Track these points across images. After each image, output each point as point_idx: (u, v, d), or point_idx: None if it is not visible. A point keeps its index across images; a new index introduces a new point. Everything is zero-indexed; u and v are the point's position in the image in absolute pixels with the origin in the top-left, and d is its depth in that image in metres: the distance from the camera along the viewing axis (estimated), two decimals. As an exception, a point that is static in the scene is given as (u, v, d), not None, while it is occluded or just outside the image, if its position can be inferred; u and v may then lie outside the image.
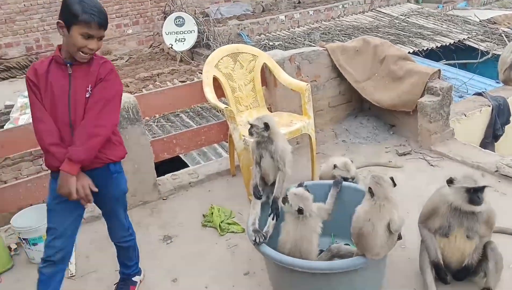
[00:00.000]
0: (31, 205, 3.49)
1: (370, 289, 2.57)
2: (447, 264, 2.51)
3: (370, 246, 2.32)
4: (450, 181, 2.41)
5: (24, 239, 3.16)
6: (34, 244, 3.16)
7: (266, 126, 2.88)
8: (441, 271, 2.50)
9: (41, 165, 6.69)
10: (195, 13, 10.47)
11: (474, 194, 2.33)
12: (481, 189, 2.34)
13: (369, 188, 2.41)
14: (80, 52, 2.21)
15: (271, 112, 4.17)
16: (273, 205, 2.83)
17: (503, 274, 2.52)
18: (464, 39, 9.60)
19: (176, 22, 9.79)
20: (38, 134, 2.27)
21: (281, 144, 2.95)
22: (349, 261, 2.36)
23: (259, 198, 2.91)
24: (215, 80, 3.90)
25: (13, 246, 3.35)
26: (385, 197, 2.37)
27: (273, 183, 2.97)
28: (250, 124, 2.93)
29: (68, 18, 2.17)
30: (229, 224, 3.39)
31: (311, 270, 2.36)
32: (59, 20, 2.19)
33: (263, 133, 2.91)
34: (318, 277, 2.38)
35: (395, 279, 2.69)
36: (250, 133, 2.94)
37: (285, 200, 2.55)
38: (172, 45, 9.89)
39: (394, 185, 2.46)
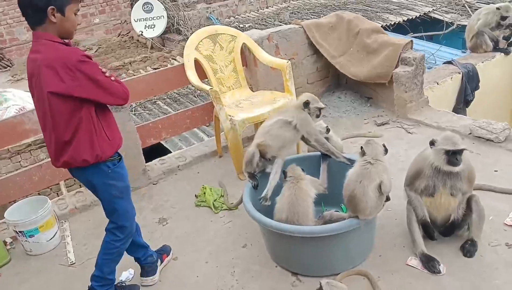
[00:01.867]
0: (15, 201, 3.50)
1: (364, 249, 2.73)
2: (434, 221, 2.69)
3: (362, 207, 2.47)
4: (431, 143, 2.56)
5: (20, 231, 3.17)
6: (31, 236, 3.18)
7: (305, 103, 3.10)
8: (429, 229, 2.67)
9: (19, 162, 6.60)
10: (163, -1, 10.32)
11: (453, 156, 2.49)
12: (459, 151, 2.49)
13: (361, 147, 2.56)
14: (74, 31, 2.24)
15: (253, 91, 4.25)
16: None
17: (484, 226, 2.71)
18: (429, 11, 9.81)
19: (144, 8, 9.64)
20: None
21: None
22: (344, 223, 2.50)
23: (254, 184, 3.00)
24: (196, 62, 3.94)
25: (8, 240, 3.35)
26: (375, 157, 2.52)
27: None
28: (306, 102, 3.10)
29: (60, 1, 2.12)
30: (222, 202, 3.48)
31: (308, 235, 2.50)
32: (52, 7, 2.10)
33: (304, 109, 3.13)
34: (314, 241, 2.52)
35: (386, 239, 2.85)
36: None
37: (284, 174, 2.76)
38: (142, 32, 9.75)
39: (386, 151, 2.61)
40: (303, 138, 3.20)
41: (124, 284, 2.79)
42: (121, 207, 2.47)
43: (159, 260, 2.87)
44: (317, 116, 3.19)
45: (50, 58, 2.12)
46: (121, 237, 2.52)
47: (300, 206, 2.63)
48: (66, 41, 2.24)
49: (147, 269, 2.78)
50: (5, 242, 3.31)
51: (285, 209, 2.65)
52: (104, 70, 2.24)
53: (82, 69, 2.12)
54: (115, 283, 2.66)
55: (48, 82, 2.13)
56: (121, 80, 2.36)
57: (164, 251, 2.97)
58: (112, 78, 2.26)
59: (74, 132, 2.23)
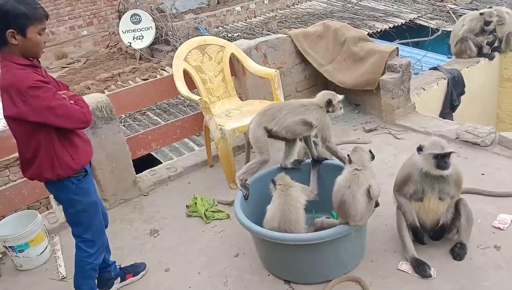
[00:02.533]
0: (3, 216, 3.47)
1: (355, 254, 2.75)
2: (423, 225, 2.72)
3: (352, 213, 2.49)
4: (419, 149, 2.60)
5: (9, 247, 3.14)
6: (21, 251, 3.15)
7: (328, 101, 3.08)
8: (418, 233, 2.70)
9: (8, 176, 6.54)
10: (151, 10, 10.35)
11: (441, 159, 2.53)
12: (447, 154, 2.54)
13: (348, 155, 2.59)
14: (41, 50, 2.21)
15: (242, 100, 4.28)
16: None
17: (472, 229, 2.75)
18: (414, 18, 9.98)
19: (133, 19, 9.67)
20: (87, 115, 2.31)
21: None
22: (335, 230, 2.52)
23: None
24: (185, 73, 3.96)
25: (-2, 256, 3.32)
26: (362, 164, 2.55)
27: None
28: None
29: (19, 23, 2.08)
30: (213, 212, 3.48)
31: (300, 242, 2.51)
32: (10, 30, 2.07)
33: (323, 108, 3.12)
34: (306, 248, 2.53)
35: (377, 244, 2.88)
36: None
37: (274, 183, 2.80)
38: (130, 44, 9.76)
39: (373, 157, 2.64)
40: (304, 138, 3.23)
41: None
42: (86, 222, 2.47)
43: (119, 278, 2.87)
44: (341, 109, 3.15)
45: (5, 83, 2.12)
46: (91, 252, 2.51)
47: (291, 214, 2.65)
48: (31, 61, 2.19)
49: (100, 282, 2.78)
50: (-6, 258, 3.28)
51: (276, 217, 2.67)
52: (61, 93, 2.23)
53: (34, 95, 2.10)
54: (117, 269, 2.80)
55: (4, 106, 2.14)
56: (83, 102, 2.33)
57: (131, 271, 2.93)
58: (71, 102, 2.25)
59: (35, 152, 2.25)
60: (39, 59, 2.27)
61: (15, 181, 6.23)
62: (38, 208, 6.07)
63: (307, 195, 2.85)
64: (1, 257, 3.32)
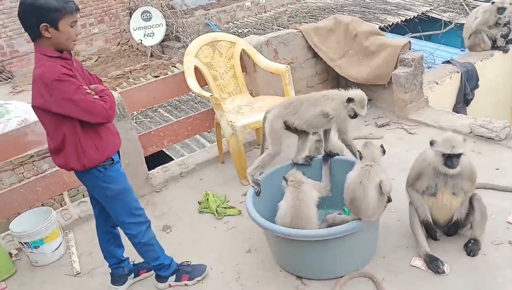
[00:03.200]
0: (18, 213, 3.51)
1: (368, 251, 2.74)
2: (436, 221, 2.70)
3: (363, 208, 2.48)
4: (431, 143, 2.57)
5: (25, 243, 3.19)
6: (36, 247, 3.20)
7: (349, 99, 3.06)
8: (431, 229, 2.67)
9: (22, 173, 6.64)
10: (161, 7, 10.38)
11: (449, 159, 2.49)
12: (456, 155, 2.49)
13: (358, 151, 2.58)
14: (73, 42, 2.28)
15: (253, 96, 4.27)
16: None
17: (486, 225, 2.72)
18: (427, 11, 9.85)
19: (143, 17, 9.71)
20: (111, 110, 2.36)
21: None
22: (347, 226, 2.51)
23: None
24: (196, 69, 3.97)
25: (14, 252, 3.37)
26: (373, 159, 2.54)
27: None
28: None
29: (52, 17, 2.16)
30: (225, 208, 3.49)
31: (312, 238, 2.51)
32: (44, 24, 2.15)
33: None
34: (318, 244, 2.53)
35: (389, 240, 2.86)
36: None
37: (285, 179, 2.80)
38: (141, 41, 9.81)
39: (384, 152, 2.62)
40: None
41: (189, 262, 2.91)
42: (118, 206, 2.54)
43: (133, 273, 2.92)
44: (351, 117, 3.11)
45: (35, 74, 2.22)
46: (134, 233, 2.60)
47: (303, 210, 2.65)
48: (64, 54, 2.27)
49: (114, 277, 2.87)
50: (10, 254, 3.33)
51: (288, 213, 2.67)
52: (85, 88, 2.29)
53: (58, 88, 2.17)
54: (177, 263, 2.84)
55: (33, 96, 2.25)
56: (109, 98, 2.37)
57: (144, 267, 2.97)
58: (95, 97, 2.31)
59: (61, 141, 2.33)
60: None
61: (29, 178, 6.33)
62: (52, 205, 6.14)
63: (320, 191, 2.84)
64: (16, 253, 3.37)
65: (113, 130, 2.54)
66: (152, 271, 2.97)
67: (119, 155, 2.58)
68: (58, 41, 2.23)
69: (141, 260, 3.09)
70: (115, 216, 2.59)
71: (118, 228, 2.78)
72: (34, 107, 2.27)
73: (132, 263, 2.96)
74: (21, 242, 3.22)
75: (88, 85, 2.38)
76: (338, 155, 3.32)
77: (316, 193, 2.78)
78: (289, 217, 2.65)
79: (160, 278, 2.83)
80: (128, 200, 2.56)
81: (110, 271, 2.88)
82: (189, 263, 2.92)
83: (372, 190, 2.49)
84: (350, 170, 2.67)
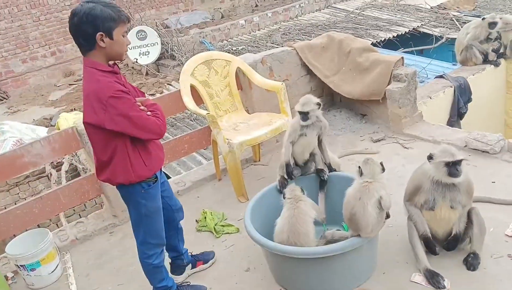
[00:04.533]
0: (14, 235, 3.49)
1: (367, 267, 2.73)
2: (435, 235, 2.70)
3: (363, 225, 2.48)
4: (430, 157, 2.58)
5: (21, 265, 3.16)
6: (32, 269, 3.16)
7: (319, 105, 3.16)
8: (430, 244, 2.67)
9: (17, 194, 6.60)
10: (156, 25, 10.47)
11: (453, 167, 2.51)
12: (458, 162, 2.52)
13: (358, 167, 2.58)
14: (124, 53, 2.31)
15: (249, 114, 4.30)
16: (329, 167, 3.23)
17: (485, 238, 2.72)
18: (418, 26, 10.00)
19: (138, 36, 9.77)
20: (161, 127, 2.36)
21: (325, 120, 3.29)
22: (346, 243, 2.51)
23: (291, 177, 3.17)
24: (192, 88, 3.99)
25: (10, 275, 3.34)
26: (373, 176, 2.54)
27: (305, 163, 3.28)
28: (304, 112, 3.14)
29: (107, 26, 2.18)
30: (223, 226, 3.48)
31: (311, 256, 2.50)
32: (100, 33, 2.17)
33: (317, 113, 3.18)
34: (317, 261, 2.52)
35: (389, 256, 2.85)
36: (307, 119, 3.16)
37: (284, 195, 2.83)
38: (136, 60, 9.85)
39: (383, 169, 2.63)
40: None
41: (188, 283, 2.90)
42: (147, 225, 2.54)
43: (190, 264, 3.00)
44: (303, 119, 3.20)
45: (88, 90, 2.22)
46: (149, 253, 2.59)
47: (300, 227, 2.65)
48: (111, 64, 2.29)
49: (173, 267, 2.95)
50: (6, 277, 3.29)
51: (285, 229, 2.67)
52: (139, 104, 2.29)
53: (114, 105, 2.17)
54: (177, 284, 2.81)
55: (85, 112, 2.25)
56: (160, 113, 2.38)
57: (201, 259, 3.07)
58: (148, 113, 2.31)
59: (110, 156, 2.34)
60: (118, 65, 2.37)
61: (25, 199, 6.29)
62: (48, 225, 6.10)
63: (316, 213, 2.84)
64: (13, 276, 3.34)
65: (159, 144, 2.55)
66: (209, 263, 3.09)
67: (161, 171, 2.61)
68: (111, 51, 2.24)
69: (140, 280, 3.07)
70: (140, 234, 2.57)
71: (181, 222, 2.87)
72: (85, 123, 2.28)
73: (190, 254, 3.02)
74: (17, 265, 3.19)
75: (135, 99, 2.37)
76: (335, 170, 3.34)
77: (313, 212, 2.77)
78: (286, 233, 2.64)
79: None
80: (157, 220, 2.57)
81: (170, 261, 2.93)
82: (189, 283, 2.90)
83: (372, 207, 2.49)
84: (349, 186, 2.68)
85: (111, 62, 2.31)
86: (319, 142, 3.30)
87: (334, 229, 2.99)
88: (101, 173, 2.44)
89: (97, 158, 2.41)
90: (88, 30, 2.17)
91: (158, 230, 2.59)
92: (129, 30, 2.57)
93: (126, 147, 2.32)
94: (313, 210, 2.79)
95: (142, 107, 2.30)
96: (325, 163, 3.29)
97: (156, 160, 2.46)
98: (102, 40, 2.19)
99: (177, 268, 2.96)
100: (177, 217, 2.84)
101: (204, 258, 3.09)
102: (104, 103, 2.16)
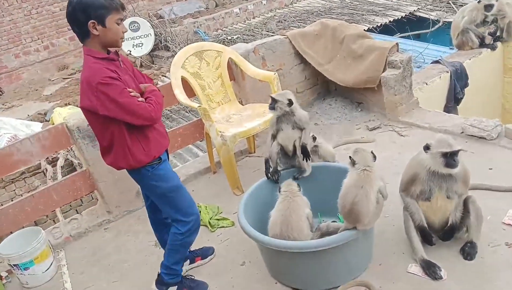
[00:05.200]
0: (11, 232, 3.46)
1: (363, 259, 2.69)
2: (432, 225, 2.66)
3: (364, 214, 2.42)
4: (426, 148, 2.52)
5: (14, 265, 3.12)
6: (26, 269, 3.13)
7: (290, 102, 3.10)
8: (427, 234, 2.63)
9: (14, 190, 6.56)
10: (149, 16, 10.34)
11: (450, 158, 2.46)
12: (456, 152, 2.47)
13: (350, 157, 2.54)
14: (120, 39, 2.33)
15: (242, 105, 4.24)
16: (304, 151, 3.11)
17: (482, 227, 2.68)
18: (414, 10, 9.87)
19: (131, 27, 9.64)
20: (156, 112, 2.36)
21: (302, 112, 3.20)
22: (340, 236, 2.46)
23: (268, 177, 3.11)
24: (184, 80, 3.92)
25: (4, 274, 3.31)
26: (366, 164, 2.50)
27: (294, 154, 3.20)
28: (274, 99, 3.12)
29: (99, 14, 2.21)
30: (218, 220, 3.44)
31: (305, 250, 2.46)
32: (92, 21, 2.20)
33: (286, 108, 3.11)
34: (312, 255, 2.48)
35: (385, 247, 2.82)
36: (273, 108, 3.13)
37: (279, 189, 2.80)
38: (130, 51, 9.75)
39: (374, 158, 2.58)
40: None
41: (193, 277, 2.86)
42: (171, 204, 2.56)
43: (188, 260, 2.99)
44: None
45: (82, 77, 2.28)
46: (182, 231, 2.59)
47: (293, 220, 2.61)
48: (111, 54, 2.32)
49: None
50: (0, 276, 3.27)
51: (278, 222, 2.64)
52: (130, 90, 2.29)
53: (103, 90, 2.20)
54: (182, 274, 2.80)
55: (81, 98, 2.32)
56: (155, 99, 2.38)
57: (199, 254, 3.06)
58: (139, 99, 2.31)
59: (110, 142, 2.39)
60: (117, 50, 2.38)
61: (21, 195, 6.25)
62: (45, 221, 6.08)
63: (309, 211, 2.78)
64: (7, 275, 3.31)
65: (161, 130, 2.54)
66: (208, 259, 3.06)
67: (167, 154, 2.63)
68: (106, 39, 2.27)
69: (133, 277, 3.05)
70: (166, 212, 2.64)
71: (201, 221, 2.87)
72: (82, 108, 2.34)
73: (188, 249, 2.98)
74: (10, 264, 3.15)
75: (137, 85, 2.42)
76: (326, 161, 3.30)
77: (308, 209, 2.73)
78: (279, 227, 2.61)
79: (161, 285, 2.77)
80: (179, 198, 2.58)
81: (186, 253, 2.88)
82: (193, 277, 2.87)
83: (374, 195, 2.45)
84: (343, 177, 2.63)
85: (112, 49, 2.34)
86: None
87: (329, 220, 2.95)
88: (105, 157, 2.50)
89: (100, 143, 2.47)
90: (81, 18, 2.21)
91: (186, 207, 2.60)
92: (125, 18, 2.55)
93: (123, 133, 2.34)
94: (306, 207, 2.74)
95: (133, 93, 2.30)
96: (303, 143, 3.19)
97: (156, 145, 2.45)
98: (95, 28, 2.22)
99: None
100: None
101: (203, 253, 3.07)
102: (94, 89, 2.21)
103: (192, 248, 3.03)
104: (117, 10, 2.27)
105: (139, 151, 2.39)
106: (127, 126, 2.33)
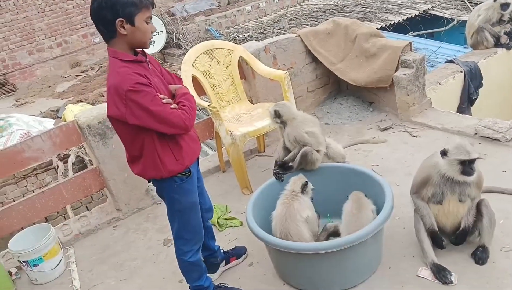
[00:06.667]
0: (22, 228, 3.49)
1: (372, 261, 2.66)
2: (443, 229, 2.61)
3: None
4: (443, 153, 2.46)
5: (24, 261, 3.15)
6: (35, 265, 3.15)
7: (276, 113, 3.08)
8: (437, 238, 2.59)
9: (25, 186, 6.63)
10: (161, 14, 10.36)
11: (468, 166, 2.41)
12: (473, 160, 2.42)
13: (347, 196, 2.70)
14: (149, 40, 2.15)
15: (253, 104, 4.21)
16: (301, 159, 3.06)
17: (495, 231, 2.63)
18: (428, 8, 9.75)
19: (143, 25, 9.68)
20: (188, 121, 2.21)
21: (291, 131, 3.10)
22: (349, 238, 2.43)
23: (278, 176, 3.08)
24: (194, 78, 3.91)
25: (13, 270, 3.34)
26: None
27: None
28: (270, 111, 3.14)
29: (127, 11, 2.04)
30: (226, 219, 3.43)
31: (311, 252, 2.44)
32: (120, 19, 2.03)
33: (276, 120, 3.10)
34: (320, 256, 2.45)
35: (395, 249, 2.78)
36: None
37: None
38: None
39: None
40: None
41: (226, 285, 2.77)
42: (182, 221, 2.45)
43: (224, 261, 2.93)
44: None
45: (109, 83, 2.11)
46: (185, 250, 2.49)
47: (290, 227, 2.60)
48: (139, 56, 2.15)
49: (207, 266, 2.77)
50: (10, 272, 3.29)
51: (277, 229, 2.64)
52: (161, 97, 2.13)
53: (133, 99, 2.04)
54: (214, 285, 2.71)
55: (108, 106, 2.14)
56: (188, 105, 2.21)
57: (234, 254, 2.99)
58: (172, 107, 2.15)
59: (140, 151, 2.23)
60: (146, 51, 2.22)
61: (33, 191, 6.32)
62: (56, 217, 6.14)
63: (311, 212, 2.75)
64: (16, 272, 3.33)
65: (193, 135, 2.38)
66: (242, 258, 3.00)
67: (198, 162, 2.50)
68: (134, 39, 2.09)
69: (142, 275, 3.05)
70: (174, 229, 2.49)
71: (210, 220, 2.82)
72: (109, 117, 2.17)
73: (222, 250, 2.96)
74: (20, 261, 3.18)
75: (167, 87, 2.26)
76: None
77: (307, 211, 2.69)
78: (278, 230, 2.63)
79: None
80: (194, 216, 2.48)
81: (203, 259, 2.76)
82: (227, 285, 2.79)
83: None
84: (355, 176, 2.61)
85: (139, 50, 2.17)
86: None
87: (338, 221, 2.92)
88: (133, 167, 2.34)
89: (128, 152, 2.31)
90: (108, 16, 2.03)
91: (194, 226, 2.48)
92: (150, 18, 2.41)
93: (154, 142, 2.19)
94: (307, 209, 2.70)
95: (165, 100, 2.13)
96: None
97: (188, 153, 2.30)
98: (123, 27, 2.04)
99: (211, 266, 2.83)
100: (206, 216, 2.70)
101: (237, 253, 3.00)
102: (123, 97, 2.04)
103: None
104: (147, 7, 2.09)
105: (170, 161, 2.24)
106: (158, 134, 2.18)
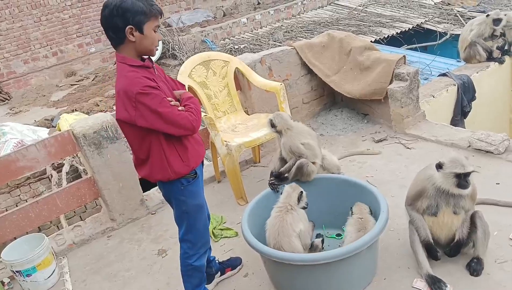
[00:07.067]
0: (15, 237, 3.46)
1: (366, 273, 2.66)
2: (437, 240, 2.62)
3: None
4: (439, 166, 2.49)
5: (17, 271, 3.11)
6: (28, 275, 3.12)
7: (270, 123, 3.11)
8: (432, 250, 2.60)
9: (18, 195, 6.57)
10: (157, 25, 10.39)
11: (463, 179, 2.44)
12: (469, 174, 2.44)
13: (350, 208, 2.68)
14: (155, 47, 2.22)
15: (248, 115, 4.23)
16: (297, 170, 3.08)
17: (489, 242, 2.64)
18: (422, 22, 9.90)
19: (139, 35, 9.73)
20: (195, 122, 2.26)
21: (286, 141, 3.12)
22: (343, 249, 2.44)
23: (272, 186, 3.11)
24: (190, 89, 3.93)
25: (6, 280, 3.30)
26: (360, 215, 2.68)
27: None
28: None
29: (137, 20, 2.11)
30: (221, 229, 3.42)
31: (306, 263, 2.44)
32: (130, 26, 2.11)
33: (272, 130, 3.14)
34: (315, 268, 2.45)
35: (390, 261, 2.78)
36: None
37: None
38: (137, 59, 9.81)
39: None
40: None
41: None
42: (188, 223, 2.47)
43: (219, 272, 2.92)
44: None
45: (118, 87, 2.16)
46: (190, 253, 2.51)
47: (283, 242, 2.60)
48: (146, 62, 2.23)
49: None
50: (2, 282, 3.26)
51: (271, 238, 2.65)
52: (169, 99, 2.20)
53: (142, 101, 2.10)
54: None
55: (117, 109, 2.20)
56: (194, 107, 2.28)
57: (229, 265, 2.98)
58: (179, 108, 2.23)
59: (147, 153, 2.28)
60: (151, 57, 2.29)
61: (26, 200, 6.26)
62: (49, 227, 6.08)
63: (305, 225, 2.74)
64: (9, 282, 3.30)
65: (198, 139, 2.45)
66: (237, 269, 2.99)
67: (202, 164, 2.54)
68: (141, 46, 2.17)
69: (136, 286, 3.03)
70: (181, 231, 2.52)
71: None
72: (118, 120, 2.24)
73: (217, 261, 2.94)
74: (13, 270, 3.14)
75: (172, 92, 2.32)
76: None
77: (300, 225, 2.68)
78: (272, 242, 2.63)
79: None
80: (200, 218, 2.50)
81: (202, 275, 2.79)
82: None
83: None
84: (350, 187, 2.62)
85: (145, 56, 2.25)
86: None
87: (334, 232, 2.94)
88: (140, 169, 2.39)
89: (135, 155, 2.36)
90: (118, 23, 2.10)
91: (200, 229, 2.51)
92: (158, 27, 2.48)
93: (161, 144, 2.25)
94: (300, 223, 2.69)
95: (173, 103, 2.21)
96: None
97: (194, 155, 2.36)
98: (132, 34, 2.12)
99: (206, 277, 2.78)
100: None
101: (232, 264, 3.00)
102: (133, 100, 2.10)
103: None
104: (156, 17, 2.17)
105: (177, 162, 2.29)
106: (164, 136, 2.24)
